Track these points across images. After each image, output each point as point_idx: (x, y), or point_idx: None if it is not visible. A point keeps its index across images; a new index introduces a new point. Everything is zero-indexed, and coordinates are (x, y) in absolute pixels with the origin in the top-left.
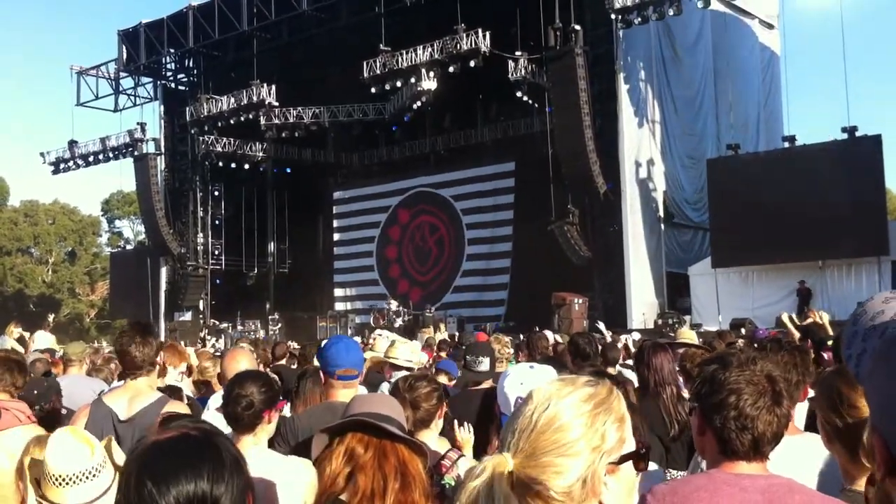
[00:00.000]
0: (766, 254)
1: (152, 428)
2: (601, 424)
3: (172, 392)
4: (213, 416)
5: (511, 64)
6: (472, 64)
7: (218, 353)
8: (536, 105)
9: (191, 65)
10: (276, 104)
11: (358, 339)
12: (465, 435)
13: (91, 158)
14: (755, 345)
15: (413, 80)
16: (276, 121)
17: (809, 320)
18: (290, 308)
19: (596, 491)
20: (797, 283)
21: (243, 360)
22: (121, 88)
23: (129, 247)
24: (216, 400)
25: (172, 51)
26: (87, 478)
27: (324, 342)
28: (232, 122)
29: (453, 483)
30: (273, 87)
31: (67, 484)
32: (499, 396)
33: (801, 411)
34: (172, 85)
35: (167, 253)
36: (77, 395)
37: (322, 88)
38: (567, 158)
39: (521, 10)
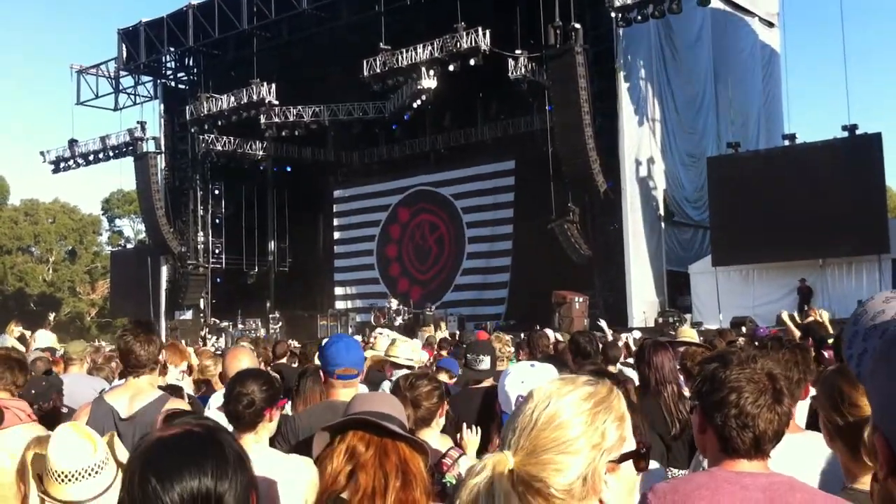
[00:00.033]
0: (767, 252)
1: (156, 425)
2: (601, 422)
3: (173, 391)
4: (214, 414)
5: (511, 62)
6: (472, 62)
7: (219, 352)
8: (536, 103)
9: (191, 63)
10: (276, 103)
11: (358, 337)
12: (472, 437)
13: (91, 157)
14: (756, 343)
15: (413, 78)
16: (276, 119)
17: (810, 318)
18: (290, 307)
19: (596, 489)
20: (798, 282)
21: (245, 359)
22: (121, 87)
23: (129, 246)
24: (217, 399)
25: (172, 49)
26: (89, 475)
27: (324, 341)
28: (232, 120)
29: (454, 481)
30: (273, 85)
31: (70, 480)
32: (500, 395)
33: (802, 409)
34: (172, 84)
35: (167, 252)
36: (78, 394)
37: (322, 87)
38: (567, 157)
39: (521, 9)
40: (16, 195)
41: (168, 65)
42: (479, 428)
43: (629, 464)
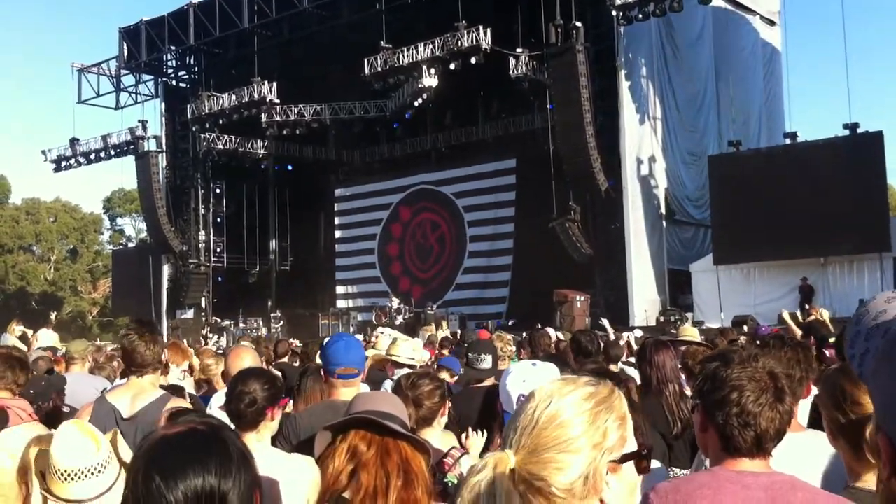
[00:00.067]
0: (768, 250)
1: (158, 424)
2: (602, 422)
3: (174, 391)
4: (215, 414)
5: (512, 61)
6: (473, 61)
7: (220, 352)
8: (537, 102)
9: (192, 62)
10: (278, 101)
11: (360, 336)
12: (476, 439)
13: (92, 156)
14: (758, 342)
15: (414, 77)
16: (278, 118)
17: (812, 317)
18: (291, 305)
19: (597, 488)
20: (799, 280)
21: (247, 358)
22: (122, 86)
23: (130, 244)
24: (219, 398)
25: (173, 48)
26: (92, 474)
27: (325, 340)
28: (233, 119)
29: (456, 481)
30: (274, 84)
31: (72, 479)
32: (501, 394)
33: (804, 408)
34: (174, 82)
35: (169, 250)
36: (80, 393)
37: (323, 85)
38: (568, 155)
39: (522, 7)
40: (17, 194)
41: (169, 63)
42: (483, 430)
43: (630, 465)
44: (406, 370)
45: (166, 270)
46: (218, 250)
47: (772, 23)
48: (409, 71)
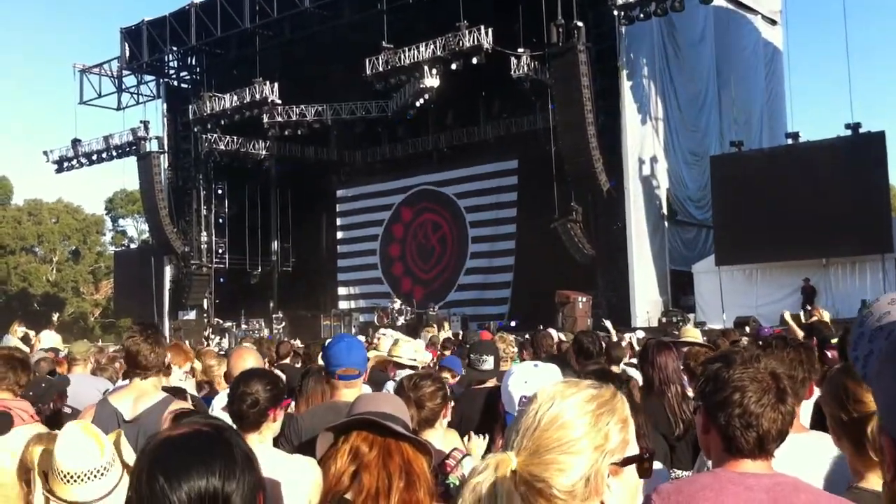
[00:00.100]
0: (770, 251)
1: (161, 426)
2: (604, 424)
3: (176, 393)
4: (217, 415)
5: (514, 61)
6: (474, 61)
7: (222, 353)
8: (539, 102)
9: (193, 62)
10: (279, 102)
11: (362, 338)
12: (478, 443)
13: (94, 157)
14: (760, 343)
15: (416, 77)
16: (279, 118)
17: (814, 318)
18: (293, 307)
19: (599, 490)
20: (802, 281)
21: (250, 359)
22: (124, 86)
23: (132, 245)
24: (220, 400)
25: (175, 48)
26: (95, 476)
27: (327, 341)
28: (235, 119)
29: (458, 482)
30: (276, 84)
31: (75, 481)
32: (503, 395)
33: (806, 409)
34: (175, 83)
35: (171, 251)
36: (82, 395)
37: (325, 86)
38: (570, 156)
39: (524, 7)
40: (19, 195)
41: (171, 64)
42: (484, 432)
43: (632, 468)
44: (408, 371)
45: (168, 271)
46: (220, 251)
47: (773, 22)
48: (411, 71)
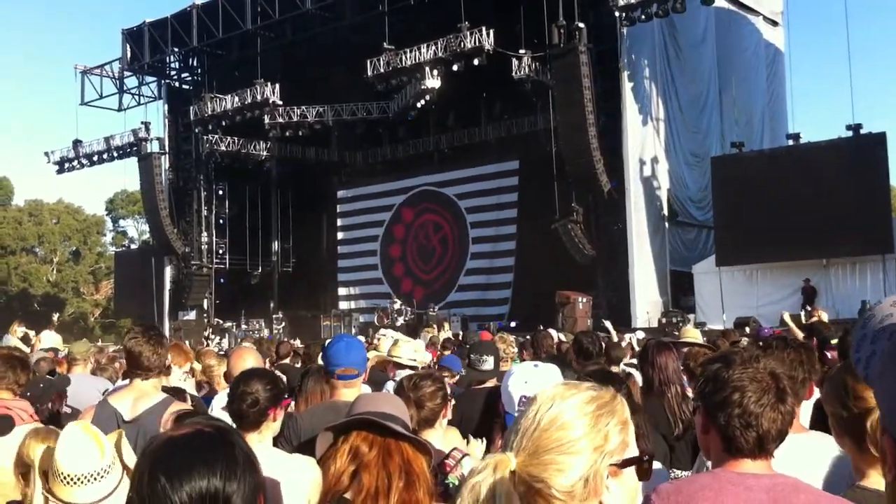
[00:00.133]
0: (771, 252)
1: (161, 427)
2: (604, 425)
3: (176, 393)
4: (217, 415)
5: (515, 62)
6: (475, 62)
7: (222, 353)
8: (540, 103)
9: (195, 64)
10: (280, 103)
11: (362, 338)
12: (477, 447)
13: (95, 158)
14: (760, 343)
15: (417, 78)
16: (280, 119)
17: (814, 318)
18: (293, 307)
19: (598, 491)
20: (802, 282)
21: (250, 359)
22: (125, 88)
23: (133, 246)
24: (220, 399)
25: (176, 50)
26: (95, 479)
27: (327, 341)
28: (236, 120)
29: (457, 482)
30: (277, 85)
31: (75, 484)
32: (503, 395)
33: (806, 410)
34: (176, 84)
35: (171, 252)
36: (82, 395)
37: (326, 87)
38: (571, 156)
39: (525, 8)
40: (20, 195)
41: (172, 65)
42: (486, 436)
43: (631, 470)
44: (408, 371)
45: (168, 272)
46: (220, 252)
47: (775, 23)
48: (412, 72)
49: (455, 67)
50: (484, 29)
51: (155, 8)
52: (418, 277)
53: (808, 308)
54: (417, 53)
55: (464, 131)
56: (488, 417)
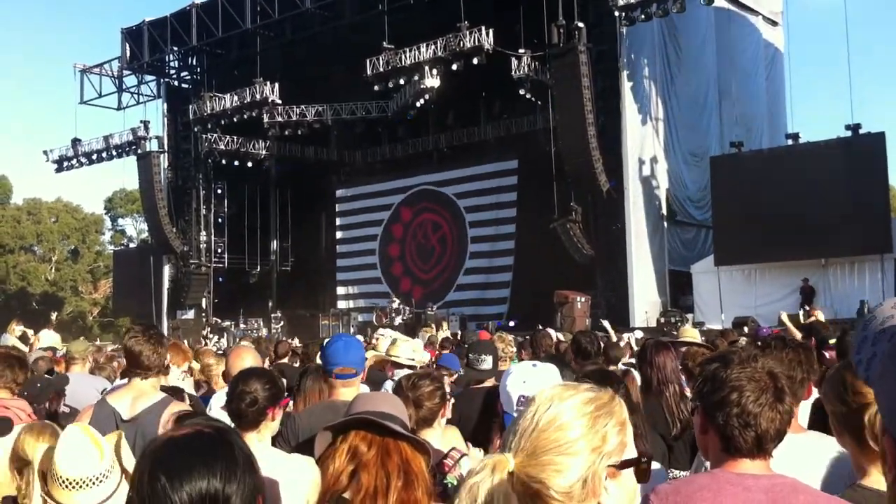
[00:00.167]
0: (769, 252)
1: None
2: (602, 426)
3: (174, 392)
4: (216, 415)
5: (514, 61)
6: (475, 62)
7: (221, 352)
8: (539, 102)
9: (194, 63)
10: (280, 102)
11: (360, 337)
12: (477, 454)
13: (94, 156)
14: (759, 343)
15: (416, 77)
16: (280, 119)
17: (812, 318)
18: (292, 306)
19: (596, 492)
20: (801, 281)
21: (248, 358)
22: (124, 86)
23: (132, 245)
24: (218, 399)
25: (176, 49)
26: (94, 483)
27: (326, 340)
28: (235, 119)
29: (456, 482)
30: (276, 84)
31: (74, 488)
32: (501, 395)
33: (804, 410)
34: (176, 83)
35: (170, 251)
36: (80, 394)
37: (325, 86)
38: (570, 156)
39: (525, 8)
40: (19, 194)
41: (171, 64)
42: (484, 438)
43: (630, 471)
44: (406, 371)
45: (167, 271)
46: (219, 251)
47: (774, 23)
48: (411, 72)
49: (454, 67)
50: (483, 28)
51: (154, 7)
52: (417, 277)
53: (807, 308)
54: (417, 53)
55: (463, 131)
56: (487, 417)
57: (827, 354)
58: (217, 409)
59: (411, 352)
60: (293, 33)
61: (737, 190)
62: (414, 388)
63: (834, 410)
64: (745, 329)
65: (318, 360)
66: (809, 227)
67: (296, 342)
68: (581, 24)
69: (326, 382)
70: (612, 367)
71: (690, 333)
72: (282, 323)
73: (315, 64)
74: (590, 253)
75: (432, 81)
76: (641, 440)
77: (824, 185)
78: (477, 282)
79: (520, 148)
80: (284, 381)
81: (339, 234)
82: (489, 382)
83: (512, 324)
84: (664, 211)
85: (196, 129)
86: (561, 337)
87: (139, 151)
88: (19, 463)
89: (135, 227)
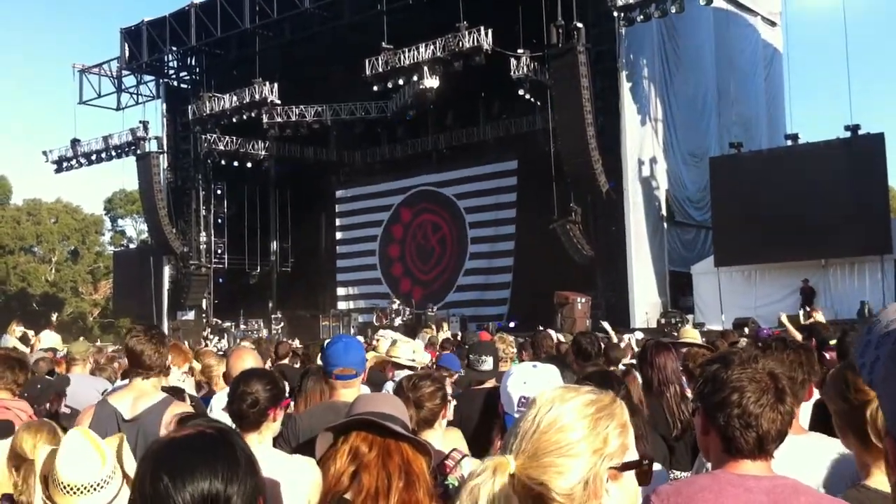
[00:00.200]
0: (769, 252)
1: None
2: (603, 428)
3: (175, 393)
4: (216, 416)
5: (513, 62)
6: (474, 62)
7: (221, 353)
8: (539, 103)
9: (193, 63)
10: (279, 102)
11: (361, 338)
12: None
13: (94, 157)
14: (759, 344)
15: (415, 78)
16: (279, 119)
17: (813, 319)
18: (292, 307)
19: (597, 494)
20: (801, 282)
21: (249, 360)
22: (123, 87)
23: (131, 246)
24: (219, 400)
25: (175, 49)
26: (95, 489)
27: (326, 341)
28: (234, 120)
29: (457, 483)
30: (275, 85)
31: (75, 493)
32: (502, 396)
33: (805, 411)
34: (175, 83)
35: (170, 252)
36: (80, 395)
37: (324, 86)
38: (569, 157)
39: (524, 8)
40: (18, 195)
41: (170, 64)
42: (485, 437)
43: (631, 474)
44: (406, 371)
45: (167, 272)
46: (219, 251)
47: (773, 24)
48: (410, 72)
49: (454, 66)
50: (482, 29)
51: (153, 7)
52: (417, 277)
53: (808, 308)
54: (416, 53)
55: (462, 131)
56: (487, 418)
57: (827, 355)
58: (218, 410)
59: (411, 353)
60: (292, 33)
61: (736, 190)
62: (414, 389)
63: (837, 410)
64: (746, 330)
65: (319, 361)
66: (809, 228)
67: (296, 343)
68: (580, 25)
69: (327, 383)
70: (612, 368)
71: (691, 334)
72: (282, 324)
73: (314, 64)
74: (589, 254)
75: (431, 82)
76: (642, 442)
77: (824, 185)
78: (477, 282)
79: (519, 148)
80: (286, 381)
81: (338, 235)
82: (490, 383)
83: (512, 325)
84: (664, 212)
85: (195, 130)
86: (561, 338)
87: (138, 152)
88: (17, 460)
89: (135, 228)
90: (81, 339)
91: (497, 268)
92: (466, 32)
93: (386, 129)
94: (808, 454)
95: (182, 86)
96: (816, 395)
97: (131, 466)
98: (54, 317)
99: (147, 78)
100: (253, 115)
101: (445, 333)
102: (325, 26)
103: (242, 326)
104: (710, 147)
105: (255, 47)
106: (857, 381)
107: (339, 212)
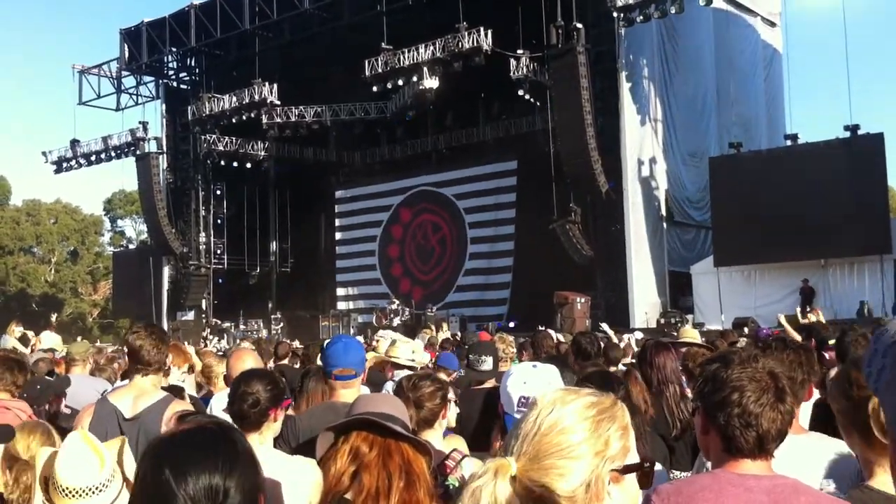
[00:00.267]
0: (769, 252)
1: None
2: (605, 431)
3: (175, 392)
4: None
5: (513, 62)
6: (475, 61)
7: (221, 353)
8: (538, 103)
9: (193, 63)
10: (278, 103)
11: (360, 338)
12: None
13: (93, 157)
14: (759, 344)
15: (415, 78)
16: (278, 119)
17: (812, 319)
18: (292, 307)
19: (599, 496)
20: (800, 282)
21: (249, 360)
22: (123, 87)
23: (131, 246)
24: (219, 400)
25: (174, 49)
26: (94, 493)
27: (326, 342)
28: (234, 120)
29: (457, 484)
30: (275, 85)
31: (74, 496)
32: (502, 396)
33: (805, 411)
34: (174, 84)
35: (169, 252)
36: (80, 395)
37: (324, 87)
38: (568, 157)
39: (523, 9)
40: (18, 195)
41: (170, 65)
42: (485, 436)
43: (632, 478)
44: (406, 372)
45: (167, 272)
46: (218, 252)
47: (772, 24)
48: (410, 72)
49: (453, 67)
50: (482, 29)
51: (153, 8)
52: (417, 278)
53: (808, 308)
54: (415, 53)
55: (462, 131)
56: (487, 418)
57: (827, 355)
58: (218, 410)
59: (411, 353)
60: (292, 34)
61: (736, 191)
62: (414, 389)
63: (840, 409)
64: (745, 330)
65: (319, 362)
66: (809, 228)
67: (296, 343)
68: (580, 25)
69: (327, 384)
70: (612, 369)
71: (690, 334)
72: (282, 324)
73: (314, 65)
74: (589, 254)
75: (431, 82)
76: (643, 443)
77: (823, 185)
78: (477, 283)
79: (519, 149)
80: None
81: (338, 235)
82: (490, 383)
83: (512, 325)
84: (663, 212)
85: (195, 131)
86: (561, 338)
87: (138, 152)
88: (10, 461)
89: (134, 229)
90: (81, 339)
91: (497, 268)
92: (466, 33)
93: (385, 130)
94: (808, 454)
95: (182, 86)
96: (816, 394)
97: (131, 469)
98: (54, 317)
99: (147, 78)
100: (252, 115)
101: (445, 333)
102: (325, 27)
103: (242, 327)
104: (709, 147)
105: (255, 48)
106: (860, 378)
107: (339, 212)
